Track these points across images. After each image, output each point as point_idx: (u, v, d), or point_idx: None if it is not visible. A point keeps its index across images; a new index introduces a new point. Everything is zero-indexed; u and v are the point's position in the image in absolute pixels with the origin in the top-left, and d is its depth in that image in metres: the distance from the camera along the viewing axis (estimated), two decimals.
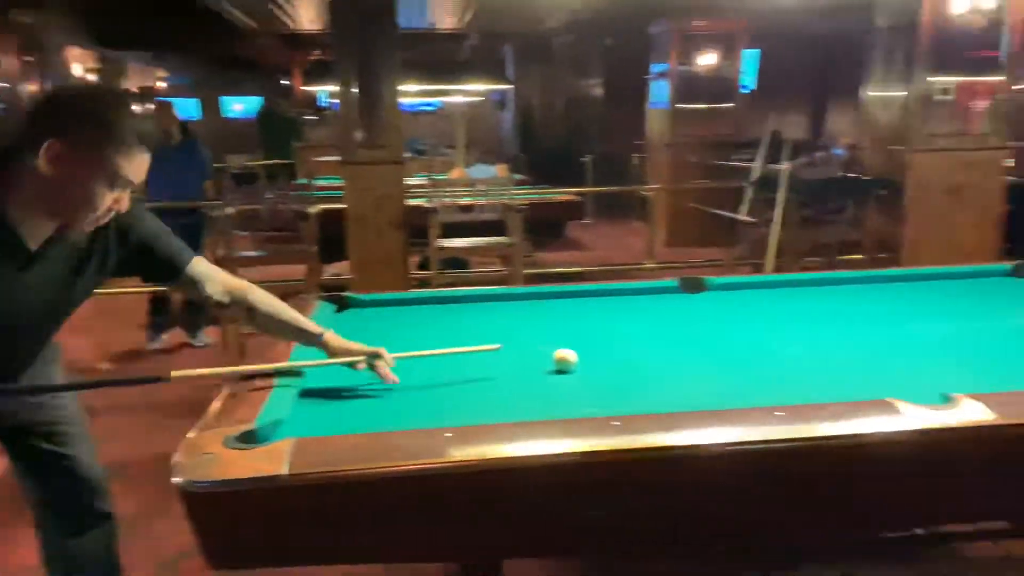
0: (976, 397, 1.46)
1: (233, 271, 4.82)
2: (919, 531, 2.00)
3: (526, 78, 13.12)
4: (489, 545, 1.42)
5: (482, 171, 6.82)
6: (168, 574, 2.41)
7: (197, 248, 2.98)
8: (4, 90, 7.74)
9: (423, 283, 5.21)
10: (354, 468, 1.28)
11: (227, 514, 1.28)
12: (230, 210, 4.99)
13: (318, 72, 10.98)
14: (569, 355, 1.86)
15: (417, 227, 5.04)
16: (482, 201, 5.31)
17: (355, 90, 4.76)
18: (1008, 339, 2.11)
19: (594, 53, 12.77)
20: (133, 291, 4.56)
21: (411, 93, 9.51)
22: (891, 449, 1.41)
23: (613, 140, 12.34)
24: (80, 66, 9.76)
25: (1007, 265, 2.82)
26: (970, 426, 1.40)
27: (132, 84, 12.09)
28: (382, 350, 1.77)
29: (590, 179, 11.12)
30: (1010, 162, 5.36)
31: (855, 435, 1.39)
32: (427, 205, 5.20)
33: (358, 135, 4.78)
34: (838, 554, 1.94)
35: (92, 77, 9.92)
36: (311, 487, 1.26)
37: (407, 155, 6.10)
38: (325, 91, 12.53)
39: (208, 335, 5.07)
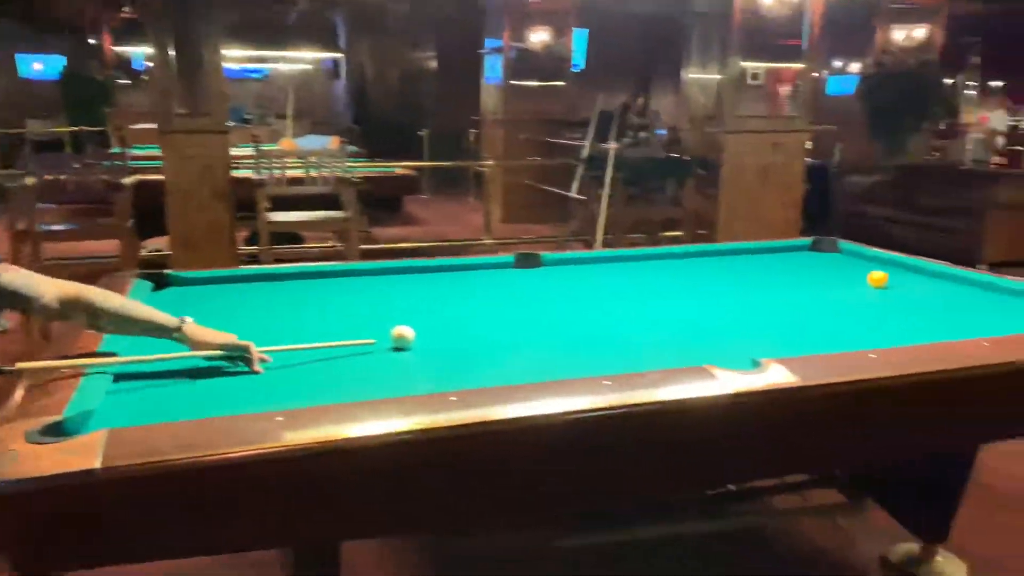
0: (781, 361, 1.59)
1: (36, 247, 4.43)
2: (731, 487, 2.17)
3: (359, 47, 12.79)
4: (326, 529, 1.39)
5: (313, 142, 6.60)
6: None
7: None
8: None
9: (252, 259, 4.99)
10: (176, 458, 1.20)
11: (33, 515, 1.17)
12: (30, 180, 4.52)
13: (131, 32, 10.14)
14: (406, 332, 1.85)
15: (245, 200, 4.81)
16: (314, 174, 5.14)
17: (173, 53, 4.43)
18: (809, 307, 2.32)
19: (429, 25, 12.64)
20: None
21: (236, 59, 9.00)
22: (709, 412, 1.51)
23: (448, 114, 12.32)
24: None
25: (807, 240, 3.09)
26: (775, 388, 1.53)
27: None
28: (250, 345, 1.68)
29: (426, 153, 11.07)
30: (809, 145, 5.87)
31: (677, 400, 1.48)
32: (255, 177, 4.96)
33: (177, 102, 4.47)
34: (657, 510, 2.07)
35: None
36: (128, 480, 1.17)
37: (231, 124, 5.78)
38: (141, 53, 11.59)
39: (7, 318, 4.59)
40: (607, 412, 1.43)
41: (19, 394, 1.42)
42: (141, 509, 1.22)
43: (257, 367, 1.66)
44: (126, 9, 10.88)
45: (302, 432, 1.30)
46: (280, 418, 1.32)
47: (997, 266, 6.45)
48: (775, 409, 1.55)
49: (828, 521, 2.32)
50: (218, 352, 1.67)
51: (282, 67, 10.66)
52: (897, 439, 1.74)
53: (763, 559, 2.37)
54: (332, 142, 6.27)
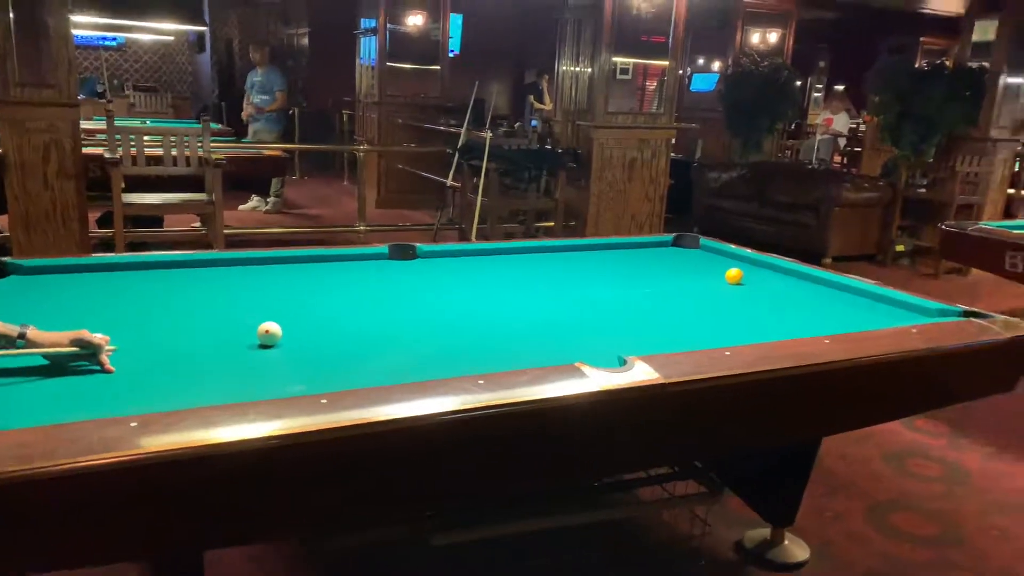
0: (645, 359, 1.66)
1: None
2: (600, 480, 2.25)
3: (225, 19, 12.17)
4: (187, 539, 1.33)
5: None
6: None
7: None
8: None
9: (106, 244, 4.67)
10: (20, 470, 1.11)
11: None
12: None
13: None
14: (273, 328, 1.79)
15: (98, 179, 4.49)
16: (174, 153, 4.85)
17: (12, 15, 4.06)
18: (672, 303, 2.42)
19: (301, 1, 12.21)
20: None
21: (87, 26, 8.36)
22: (580, 409, 1.55)
23: (321, 94, 11.97)
24: None
25: (670, 236, 3.23)
26: (640, 385, 1.59)
27: None
28: (105, 339, 1.57)
29: (298, 133, 10.72)
30: (672, 140, 6.11)
31: (549, 398, 1.51)
32: (109, 156, 4.64)
33: (17, 70, 4.11)
34: (528, 503, 2.11)
35: None
36: None
37: (82, 98, 5.38)
38: None
39: None
40: (481, 412, 1.44)
41: None
42: None
43: (108, 366, 1.57)
44: None
45: (159, 438, 1.23)
46: (134, 423, 1.25)
47: (840, 260, 6.99)
48: (640, 405, 1.61)
49: (688, 511, 2.44)
50: (68, 350, 1.56)
51: (141, 37, 9.97)
52: (749, 432, 1.86)
53: (629, 548, 2.48)
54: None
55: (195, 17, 8.18)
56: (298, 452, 1.31)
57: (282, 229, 6.80)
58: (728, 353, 1.75)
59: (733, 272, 2.61)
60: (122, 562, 1.46)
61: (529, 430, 1.54)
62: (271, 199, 7.99)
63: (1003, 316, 2.14)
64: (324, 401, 1.38)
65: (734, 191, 7.97)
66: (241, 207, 7.91)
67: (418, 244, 2.79)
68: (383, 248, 2.75)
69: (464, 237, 5.37)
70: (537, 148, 5.67)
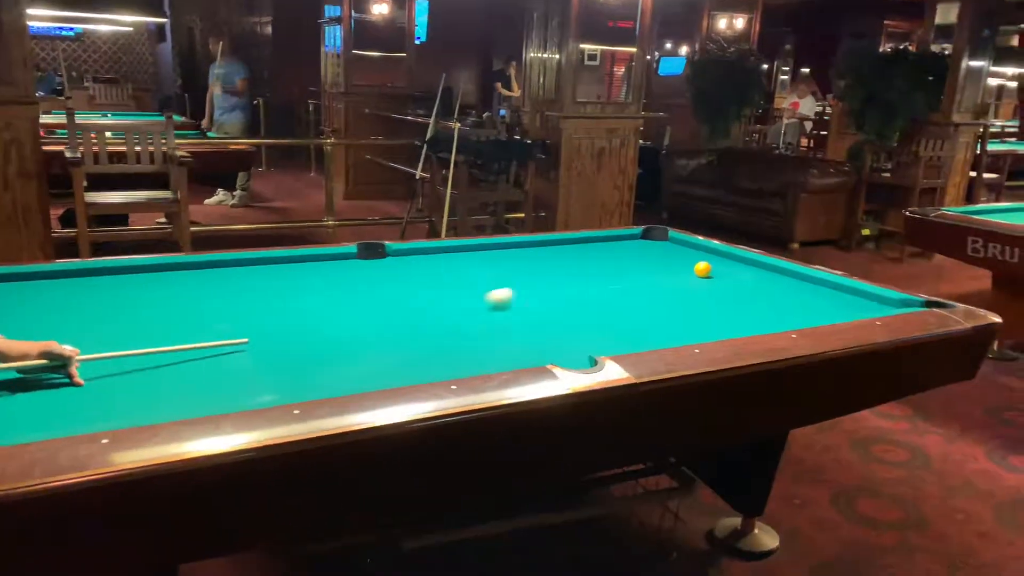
0: (616, 359, 1.68)
1: None
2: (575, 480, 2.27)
3: (186, 8, 11.96)
4: (162, 555, 1.33)
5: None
6: None
7: None
8: None
9: (70, 244, 4.59)
10: None
11: None
12: None
13: None
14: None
15: (59, 176, 4.40)
16: (138, 149, 4.77)
17: None
18: (641, 300, 2.45)
19: None
20: None
21: (43, 17, 8.16)
22: (552, 411, 1.56)
23: (287, 84, 11.83)
24: None
25: (639, 229, 3.25)
26: (612, 386, 1.61)
27: None
28: (75, 352, 1.54)
29: (263, 124, 10.59)
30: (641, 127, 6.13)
31: (522, 402, 1.52)
32: (70, 156, 4.54)
33: None
34: (500, 504, 2.13)
35: None
36: None
37: (40, 95, 5.27)
38: None
39: None
40: (455, 417, 1.45)
41: None
42: None
43: (78, 378, 1.55)
44: None
45: (132, 454, 1.23)
46: (106, 440, 1.24)
47: (807, 245, 7.09)
48: (612, 405, 1.63)
49: (659, 504, 2.47)
50: (36, 363, 1.53)
51: (99, 28, 9.75)
52: (721, 428, 1.89)
53: (601, 544, 2.51)
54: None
55: (155, 7, 8.00)
56: (272, 464, 1.31)
57: (249, 226, 6.73)
58: (697, 351, 1.78)
59: (702, 266, 2.64)
60: None
61: (503, 434, 1.55)
62: (237, 192, 7.90)
63: (963, 306, 2.19)
64: (297, 412, 1.38)
65: (702, 178, 8.03)
66: (207, 201, 7.81)
67: (387, 242, 2.78)
68: (352, 247, 2.74)
69: (434, 231, 5.35)
70: (506, 139, 5.66)
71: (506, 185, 5.46)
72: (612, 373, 1.64)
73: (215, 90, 7.68)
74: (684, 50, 10.97)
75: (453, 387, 1.52)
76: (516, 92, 10.02)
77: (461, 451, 1.53)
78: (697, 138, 8.97)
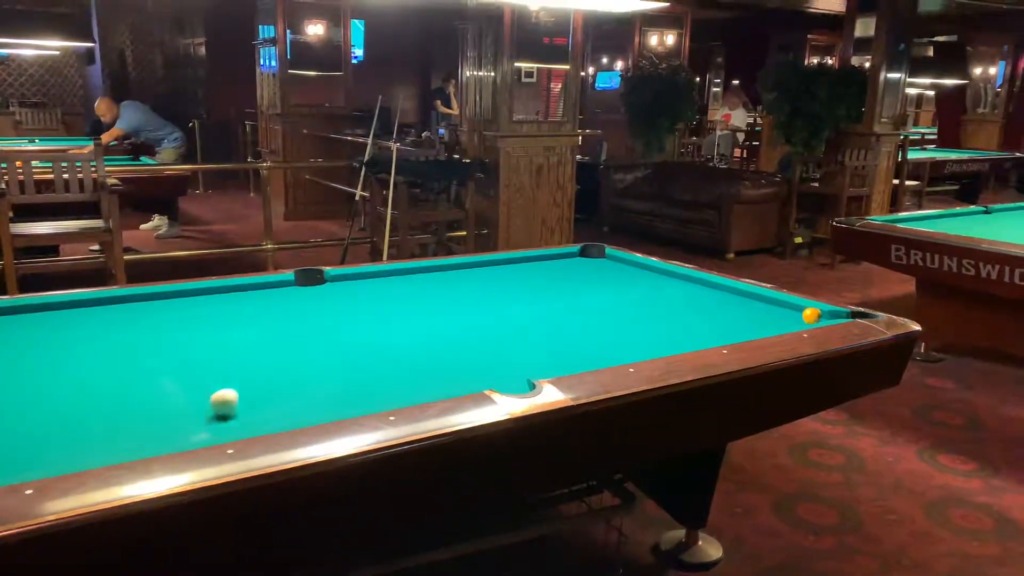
0: (553, 381, 1.70)
1: None
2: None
3: (115, 29, 11.69)
4: None
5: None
6: None
7: None
8: None
9: None
10: None
11: None
12: None
13: None
14: (230, 396, 1.64)
15: None
16: (67, 177, 4.64)
17: None
18: (579, 320, 2.48)
19: (195, 9, 11.83)
20: None
21: None
22: (492, 436, 1.57)
23: (222, 105, 11.64)
24: None
25: (577, 247, 3.30)
26: (550, 409, 1.63)
27: None
28: None
29: (199, 146, 10.40)
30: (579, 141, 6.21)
31: (461, 429, 1.53)
32: None
33: None
34: (445, 529, 2.13)
35: None
36: None
37: None
38: None
39: None
40: (393, 449, 1.45)
41: None
42: None
43: None
44: None
45: (58, 504, 1.20)
46: (30, 491, 1.21)
47: (743, 254, 7.27)
48: (551, 428, 1.65)
49: (604, 521, 2.50)
50: None
51: (24, 52, 9.46)
52: (659, 443, 1.93)
53: (546, 564, 2.52)
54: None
55: (83, 32, 7.77)
56: (207, 506, 1.29)
57: (186, 252, 6.58)
58: (632, 370, 1.81)
59: (808, 312, 2.33)
60: None
61: (443, 463, 1.55)
62: (165, 223, 7.60)
63: (886, 315, 2.29)
64: (231, 451, 1.36)
65: (639, 191, 8.17)
66: (143, 226, 7.61)
67: (326, 268, 2.76)
68: (289, 274, 2.71)
69: (376, 252, 5.32)
70: (445, 159, 5.68)
71: (447, 204, 5.47)
72: (550, 396, 1.66)
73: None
74: (619, 64, 11.16)
75: (391, 418, 1.52)
76: (455, 110, 10.05)
77: (402, 482, 1.53)
78: (633, 152, 9.13)
